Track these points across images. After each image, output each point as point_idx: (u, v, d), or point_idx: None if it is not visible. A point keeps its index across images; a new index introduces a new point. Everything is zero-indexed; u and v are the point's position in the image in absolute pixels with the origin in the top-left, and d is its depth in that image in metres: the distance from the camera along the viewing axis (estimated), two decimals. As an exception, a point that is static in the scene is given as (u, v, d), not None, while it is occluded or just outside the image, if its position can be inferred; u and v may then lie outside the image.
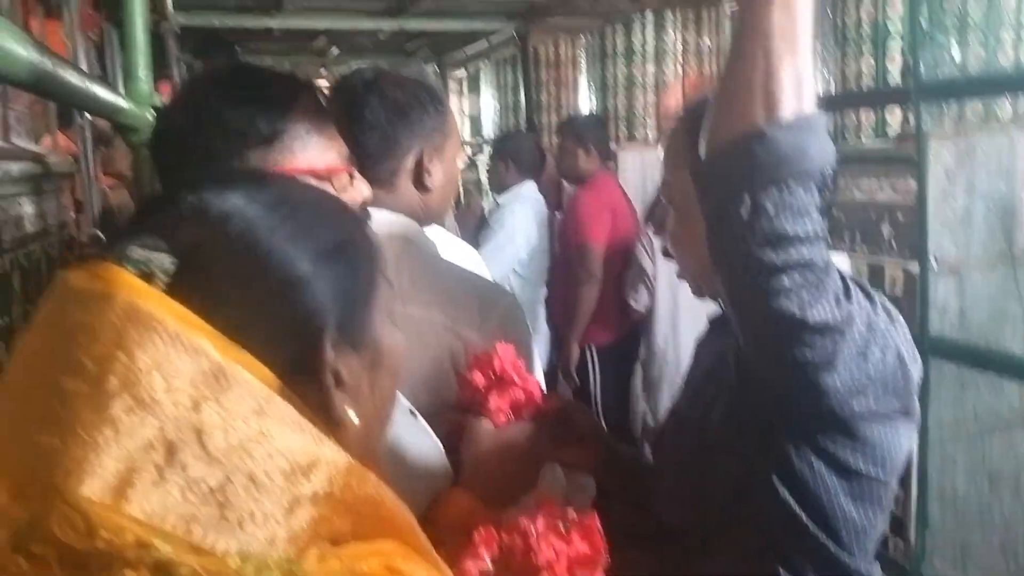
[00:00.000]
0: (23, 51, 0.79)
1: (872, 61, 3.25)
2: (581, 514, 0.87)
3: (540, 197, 4.15)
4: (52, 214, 2.30)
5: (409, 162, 1.35)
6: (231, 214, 0.59)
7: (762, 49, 0.86)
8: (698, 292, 1.19)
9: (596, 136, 3.98)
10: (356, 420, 0.63)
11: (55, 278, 0.57)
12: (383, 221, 1.30)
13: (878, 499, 1.06)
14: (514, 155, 4.14)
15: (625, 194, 4.10)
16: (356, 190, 1.06)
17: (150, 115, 1.80)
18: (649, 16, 5.49)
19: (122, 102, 1.58)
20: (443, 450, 1.08)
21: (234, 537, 0.51)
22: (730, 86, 0.90)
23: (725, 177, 0.89)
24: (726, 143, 0.89)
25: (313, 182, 0.97)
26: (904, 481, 2.51)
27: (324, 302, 0.61)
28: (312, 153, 1.00)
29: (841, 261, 1.08)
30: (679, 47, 5.56)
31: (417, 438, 1.07)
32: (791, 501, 1.03)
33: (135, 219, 0.62)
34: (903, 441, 1.04)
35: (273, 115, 0.99)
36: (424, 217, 1.38)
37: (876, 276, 2.84)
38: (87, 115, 3.08)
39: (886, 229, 2.95)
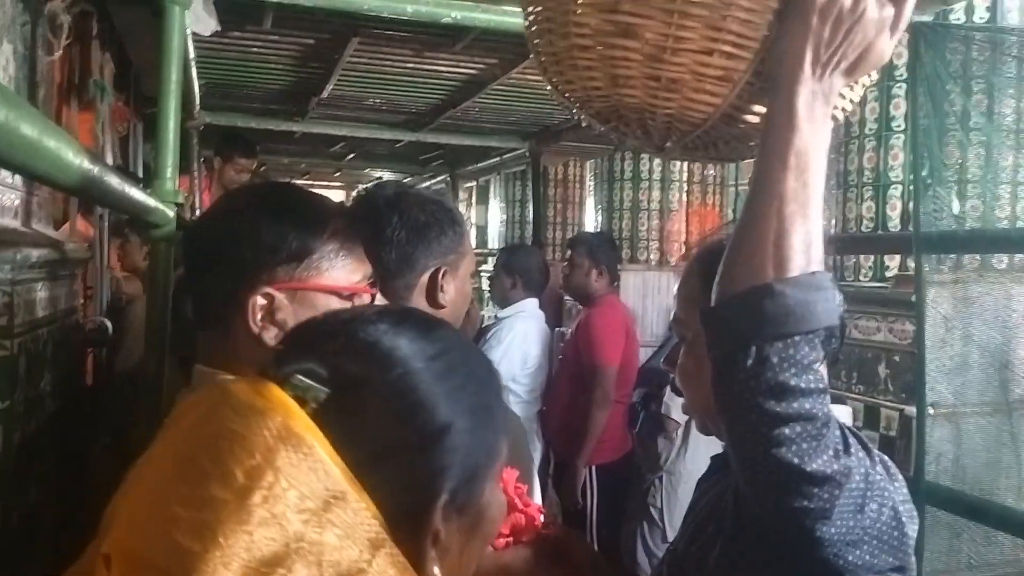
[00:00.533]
0: (75, 159, 0.84)
1: (873, 205, 3.35)
2: None
3: (542, 314, 4.16)
4: (63, 299, 2.33)
5: (424, 279, 1.40)
6: (397, 358, 0.61)
7: (776, 211, 0.91)
8: (703, 429, 1.21)
9: (607, 255, 4.02)
10: None
11: (215, 382, 0.59)
12: None
13: None
14: (522, 272, 4.14)
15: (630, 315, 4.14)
16: None
17: (172, 212, 1.85)
18: (658, 145, 5.66)
19: (150, 201, 1.63)
20: None
21: None
22: (743, 241, 0.94)
23: (733, 326, 0.93)
24: (736, 294, 0.93)
25: (336, 302, 1.01)
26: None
27: (452, 463, 0.61)
28: (339, 273, 1.04)
29: (842, 413, 1.10)
30: (684, 176, 5.73)
31: None
32: None
33: (301, 340, 0.64)
34: None
35: (304, 233, 1.03)
36: None
37: (872, 417, 2.85)
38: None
39: (883, 370, 2.98)
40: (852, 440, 0.97)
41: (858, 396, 3.01)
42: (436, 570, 0.62)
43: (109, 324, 2.83)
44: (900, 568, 1.02)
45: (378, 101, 4.14)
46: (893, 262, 3.32)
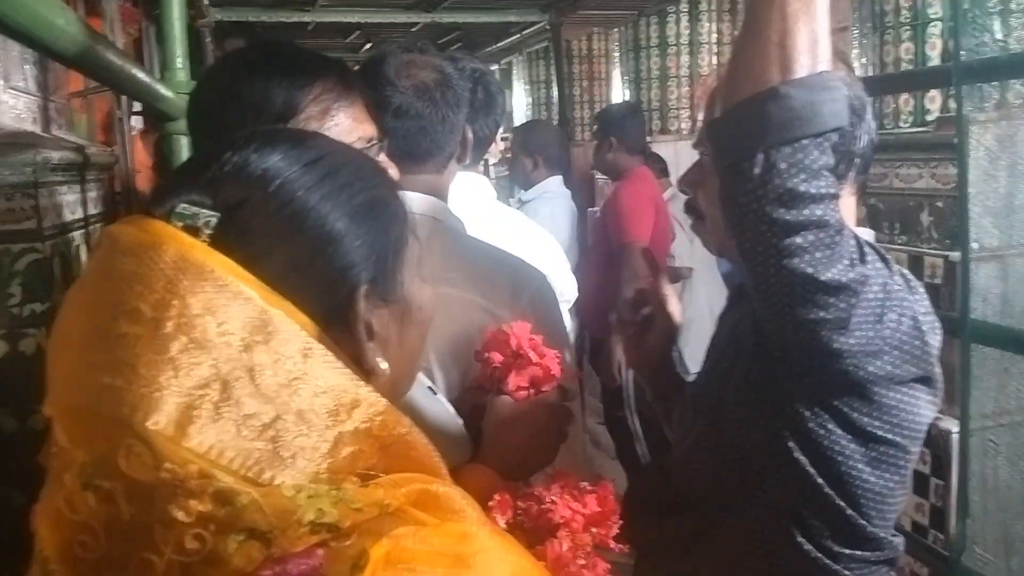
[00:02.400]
0: (67, 25, 0.81)
1: (912, 47, 3.20)
2: (594, 483, 0.89)
3: (567, 192, 4.02)
4: (93, 203, 2.34)
5: (454, 145, 1.40)
6: (271, 173, 0.62)
7: (778, 9, 0.87)
8: (719, 253, 1.21)
9: (633, 127, 3.90)
10: (386, 368, 0.66)
11: (101, 233, 0.60)
12: (414, 200, 1.30)
13: (897, 466, 1.05)
14: (540, 149, 3.98)
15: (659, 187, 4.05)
16: None
17: (184, 103, 1.83)
18: (684, 6, 5.46)
19: (161, 88, 1.60)
20: (462, 425, 1.09)
21: (286, 470, 0.55)
22: (746, 45, 0.91)
23: (739, 134, 0.91)
24: (741, 101, 0.90)
25: None
26: (944, 470, 2.47)
27: (358, 258, 0.64)
28: (331, 132, 1.00)
29: (865, 233, 1.08)
30: (714, 37, 5.52)
31: (436, 413, 1.08)
32: (807, 465, 1.03)
33: (179, 177, 0.64)
34: (923, 409, 1.04)
35: (289, 91, 1.00)
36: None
37: (916, 266, 2.79)
38: (124, 108, 3.14)
39: (925, 218, 2.90)
40: (868, 250, 0.95)
41: (901, 246, 2.95)
42: (379, 360, 0.65)
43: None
44: (924, 379, 1.01)
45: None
46: (934, 105, 3.19)
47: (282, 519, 0.53)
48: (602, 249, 3.85)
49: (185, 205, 0.59)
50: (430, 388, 1.12)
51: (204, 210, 0.59)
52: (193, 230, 0.58)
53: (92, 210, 2.32)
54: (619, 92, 6.69)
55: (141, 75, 1.39)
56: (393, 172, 1.10)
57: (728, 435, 1.09)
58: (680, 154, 4.96)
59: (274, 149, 0.64)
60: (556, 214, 3.84)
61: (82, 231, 2.18)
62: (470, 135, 1.44)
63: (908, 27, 3.20)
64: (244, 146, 0.64)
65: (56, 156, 1.95)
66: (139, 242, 0.57)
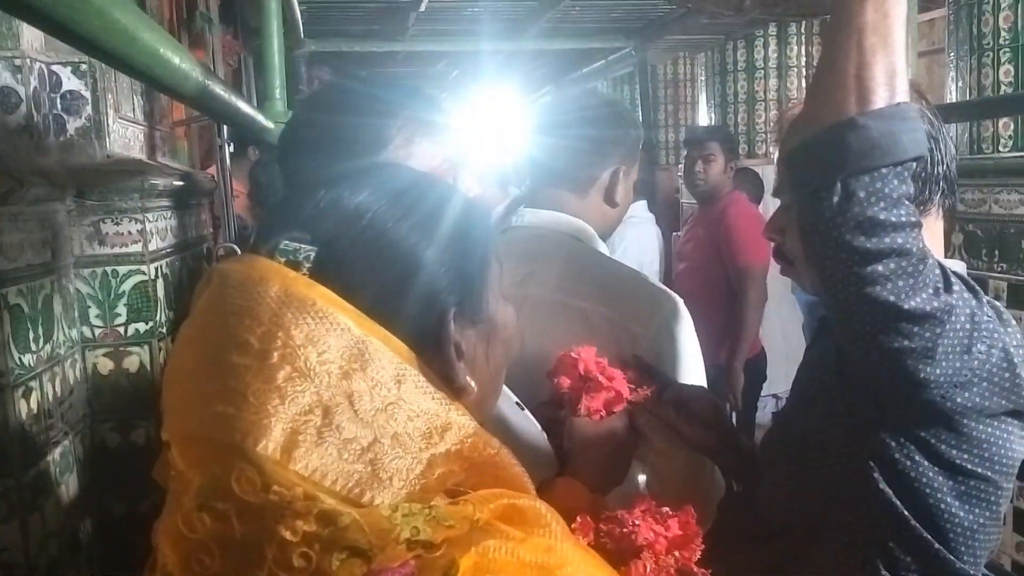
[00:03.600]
0: (179, 62, 0.86)
1: (1011, 69, 3.09)
2: (676, 507, 0.90)
3: (651, 216, 4.01)
4: (193, 227, 2.44)
5: (605, 176, 1.47)
6: (362, 208, 0.66)
7: (856, 43, 0.88)
8: (815, 293, 1.19)
9: (734, 149, 3.80)
10: (475, 387, 0.69)
11: (211, 271, 0.64)
12: (558, 220, 1.44)
13: (988, 501, 1.02)
14: None
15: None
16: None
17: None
18: (772, 30, 5.40)
19: (260, 118, 1.67)
20: (547, 440, 1.13)
21: (384, 491, 0.58)
22: (824, 77, 0.92)
23: (817, 163, 0.91)
24: (819, 131, 0.91)
25: None
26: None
27: (446, 282, 0.67)
28: (416, 160, 1.06)
29: (954, 264, 1.06)
30: (803, 61, 5.44)
31: (524, 428, 1.13)
32: (893, 497, 1.01)
33: (280, 215, 0.69)
34: (1015, 443, 1.01)
35: (377, 127, 1.07)
36: (601, 229, 1.49)
37: (1016, 295, 2.69)
38: (225, 136, 3.27)
39: (1027, 245, 2.80)
40: (955, 280, 0.93)
41: (1001, 275, 2.84)
42: (468, 378, 0.68)
43: (238, 250, 2.95)
44: (1016, 412, 0.98)
45: (476, 10, 4.09)
46: (1036, 129, 3.07)
47: (381, 537, 0.56)
48: (705, 276, 3.70)
49: (287, 242, 0.63)
50: (517, 403, 1.16)
51: (304, 245, 0.63)
52: (295, 264, 0.62)
53: (192, 233, 2.42)
54: (705, 115, 6.64)
55: (245, 107, 1.46)
56: (481, 194, 1.16)
57: (814, 465, 1.08)
58: (767, 178, 4.89)
59: (363, 185, 0.68)
60: (642, 239, 3.83)
61: (183, 253, 2.28)
62: (620, 175, 1.49)
63: (1007, 49, 3.10)
64: (337, 184, 0.68)
65: (161, 183, 2.05)
66: (248, 278, 0.62)
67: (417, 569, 0.57)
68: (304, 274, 0.62)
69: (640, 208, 3.89)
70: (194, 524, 0.57)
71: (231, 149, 3.61)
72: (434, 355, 0.66)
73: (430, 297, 0.67)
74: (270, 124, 1.78)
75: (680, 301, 1.44)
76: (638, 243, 3.80)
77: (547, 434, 1.13)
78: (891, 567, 1.02)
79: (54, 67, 1.89)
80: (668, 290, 1.45)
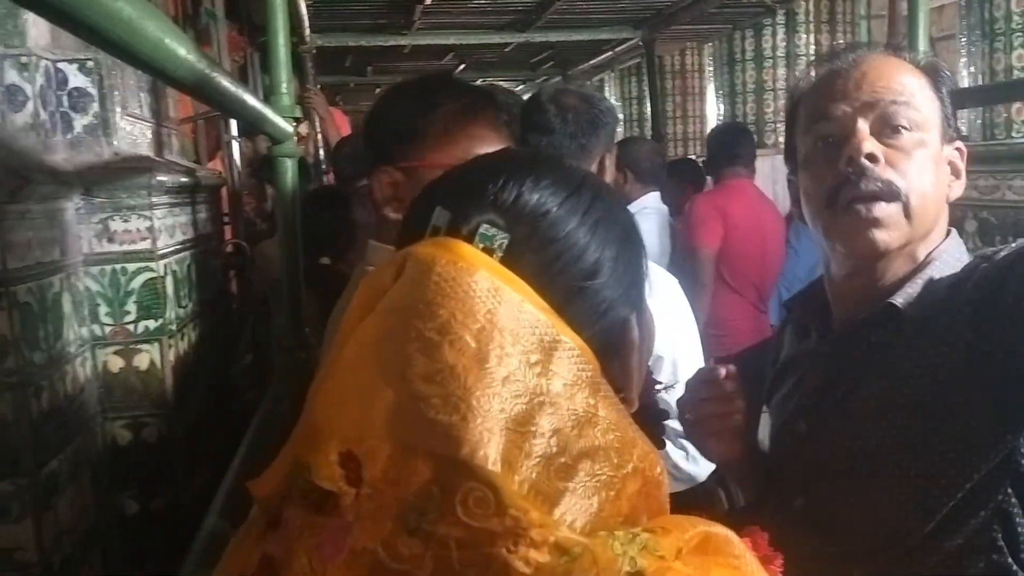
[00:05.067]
0: (184, 52, 0.85)
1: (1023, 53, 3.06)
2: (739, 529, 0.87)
3: (664, 208, 3.97)
4: (201, 224, 2.43)
5: (594, 167, 1.58)
6: (543, 206, 0.61)
7: None
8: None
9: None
10: (636, 401, 0.66)
11: (403, 256, 0.58)
12: None
13: None
14: (633, 165, 3.95)
15: (765, 199, 3.96)
16: None
17: (290, 127, 1.89)
18: (780, 19, 5.36)
19: (268, 112, 1.66)
20: None
21: (585, 514, 0.52)
22: None
23: None
24: None
25: None
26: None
27: (624, 287, 0.63)
28: (452, 149, 1.11)
29: None
30: (811, 49, 5.40)
31: None
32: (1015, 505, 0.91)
33: (458, 196, 0.62)
34: None
35: (412, 116, 1.14)
36: None
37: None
38: (233, 132, 3.27)
39: (1042, 232, 2.76)
40: None
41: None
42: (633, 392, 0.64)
43: (247, 246, 2.95)
44: None
45: (482, 2, 4.06)
46: (1050, 114, 3.04)
47: (608, 569, 0.50)
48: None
49: (486, 226, 0.58)
50: None
51: (500, 232, 0.58)
52: (490, 251, 0.57)
53: (201, 230, 2.42)
54: (713, 106, 6.61)
55: (252, 101, 1.44)
56: None
57: (933, 474, 0.94)
58: (777, 168, 4.85)
59: (543, 178, 0.62)
60: (653, 231, 3.81)
61: (192, 250, 2.28)
62: (605, 163, 1.61)
63: (1020, 33, 3.06)
64: (518, 172, 0.62)
65: (168, 179, 2.04)
66: (454, 266, 0.55)
67: None
68: (498, 260, 0.57)
69: (653, 199, 3.88)
70: (399, 552, 0.49)
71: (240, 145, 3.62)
72: (610, 364, 0.60)
73: (610, 303, 0.62)
74: (278, 118, 1.77)
75: (675, 281, 1.53)
76: (650, 234, 3.81)
77: None
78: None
79: (60, 64, 1.89)
80: (665, 272, 1.54)
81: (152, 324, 1.94)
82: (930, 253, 1.01)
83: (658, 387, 1.13)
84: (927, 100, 1.01)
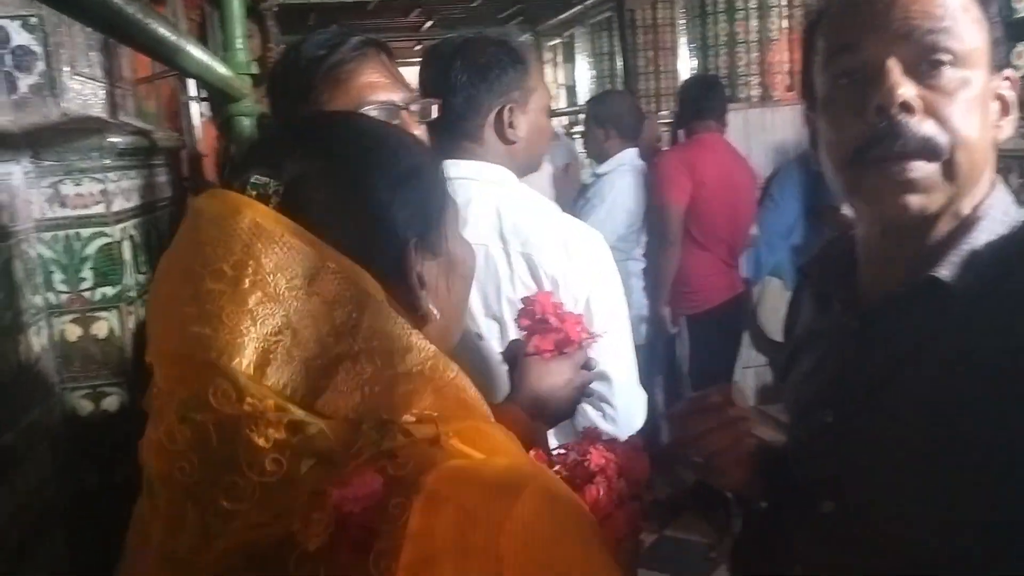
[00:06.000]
0: (138, 13, 0.79)
1: None
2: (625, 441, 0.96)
3: (642, 163, 3.91)
4: (160, 188, 2.36)
5: (491, 118, 1.49)
6: (325, 149, 0.72)
7: None
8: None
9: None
10: (438, 315, 0.74)
11: (188, 203, 0.69)
12: (479, 169, 1.48)
13: None
14: (613, 119, 3.86)
15: (735, 153, 3.91)
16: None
17: (246, 84, 1.82)
18: (751, -31, 5.28)
19: (220, 67, 1.59)
20: (503, 370, 1.19)
21: (347, 404, 0.64)
22: None
23: None
24: None
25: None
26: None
27: (405, 217, 0.72)
28: (347, 96, 1.19)
29: None
30: (784, 0, 5.33)
31: (481, 356, 1.25)
32: None
33: (251, 153, 0.74)
34: None
35: (307, 66, 1.21)
36: (512, 167, 1.52)
37: None
38: (191, 93, 3.17)
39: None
40: None
41: None
42: (430, 306, 0.73)
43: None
44: None
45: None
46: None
47: (346, 446, 0.62)
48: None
49: (257, 176, 0.68)
50: (477, 335, 1.28)
51: (272, 180, 0.68)
52: (265, 199, 0.67)
53: (160, 194, 2.34)
54: (685, 61, 6.53)
55: (200, 54, 1.38)
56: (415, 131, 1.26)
57: (983, 488, 0.79)
58: (750, 122, 4.82)
59: (327, 129, 0.75)
60: (630, 187, 3.76)
61: (150, 215, 2.20)
62: (507, 112, 1.50)
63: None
64: (302, 127, 0.76)
65: (122, 141, 1.96)
66: (221, 210, 0.66)
67: (383, 487, 0.61)
68: (272, 207, 0.67)
69: (630, 156, 3.84)
70: (175, 436, 0.63)
71: (211, 112, 3.51)
72: (398, 285, 0.70)
73: (391, 230, 0.71)
74: (232, 74, 1.70)
75: (600, 240, 1.50)
76: (628, 190, 3.77)
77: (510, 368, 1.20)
78: None
79: (1, 21, 1.80)
80: (590, 230, 1.50)
81: (110, 291, 1.88)
82: (976, 208, 0.86)
83: (586, 337, 1.16)
84: (973, 24, 0.84)
